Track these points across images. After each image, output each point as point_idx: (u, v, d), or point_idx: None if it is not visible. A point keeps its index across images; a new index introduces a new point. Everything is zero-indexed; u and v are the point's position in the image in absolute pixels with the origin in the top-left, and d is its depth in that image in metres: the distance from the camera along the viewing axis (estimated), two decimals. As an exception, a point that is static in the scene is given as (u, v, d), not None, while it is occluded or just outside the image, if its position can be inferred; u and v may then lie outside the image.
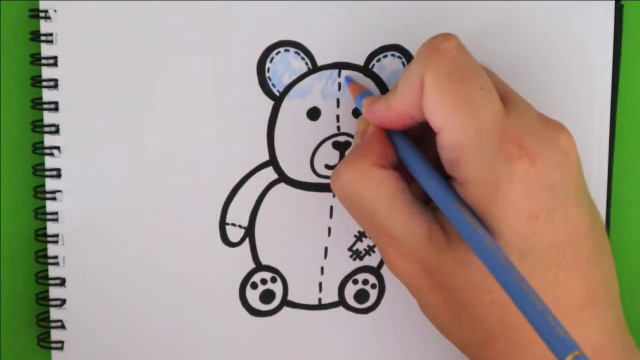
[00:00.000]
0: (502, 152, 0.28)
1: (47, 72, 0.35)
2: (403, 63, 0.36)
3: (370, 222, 0.31)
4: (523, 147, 0.28)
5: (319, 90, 0.36)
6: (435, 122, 0.29)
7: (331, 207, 0.37)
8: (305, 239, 0.37)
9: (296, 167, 0.37)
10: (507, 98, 0.30)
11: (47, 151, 0.36)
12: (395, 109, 0.31)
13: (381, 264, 0.38)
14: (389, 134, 0.32)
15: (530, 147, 0.28)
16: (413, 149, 0.31)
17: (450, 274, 0.30)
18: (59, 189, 0.36)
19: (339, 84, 0.36)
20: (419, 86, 0.29)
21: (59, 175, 0.36)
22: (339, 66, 0.36)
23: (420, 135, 0.32)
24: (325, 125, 0.36)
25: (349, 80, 0.36)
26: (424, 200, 0.32)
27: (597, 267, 0.30)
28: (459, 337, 0.31)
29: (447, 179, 0.30)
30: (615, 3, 0.37)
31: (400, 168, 0.32)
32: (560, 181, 0.29)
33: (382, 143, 0.32)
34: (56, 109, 0.35)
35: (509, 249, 0.28)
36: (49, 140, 0.36)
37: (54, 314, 0.37)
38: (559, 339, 0.24)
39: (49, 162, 0.36)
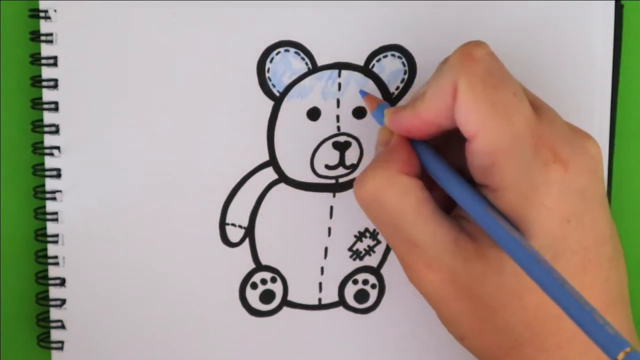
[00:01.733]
0: (537, 157, 0.29)
1: (47, 72, 0.35)
2: (403, 63, 0.36)
3: (394, 230, 0.31)
4: (556, 152, 0.29)
5: (319, 90, 0.36)
6: (470, 128, 0.29)
7: (331, 207, 0.37)
8: (305, 239, 0.37)
9: (296, 167, 0.37)
10: (536, 105, 0.30)
11: (47, 151, 0.36)
12: (424, 116, 0.31)
13: (381, 264, 0.38)
14: (412, 142, 0.32)
15: (563, 153, 0.29)
16: (437, 158, 0.31)
17: (479, 281, 0.30)
18: (59, 189, 0.36)
19: (339, 84, 0.36)
20: (451, 93, 0.29)
21: (59, 175, 0.36)
22: (339, 66, 0.36)
23: (439, 145, 0.32)
24: (325, 126, 0.36)
25: (364, 93, 0.36)
26: (446, 210, 0.32)
27: (616, 270, 0.31)
28: (482, 346, 0.31)
29: (473, 186, 0.30)
30: (615, 3, 0.37)
31: (422, 178, 0.32)
32: (590, 186, 0.29)
33: (407, 151, 0.32)
34: (56, 109, 0.35)
35: (542, 252, 0.29)
36: (49, 140, 0.35)
37: (54, 314, 0.37)
38: (609, 337, 0.24)
39: (49, 162, 0.36)
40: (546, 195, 0.28)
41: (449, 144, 0.31)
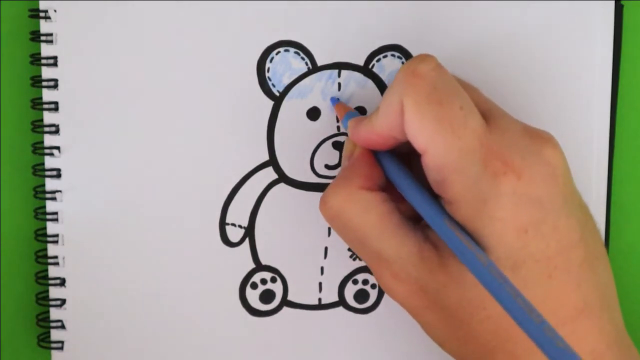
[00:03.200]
0: (486, 170, 0.28)
1: (47, 72, 0.35)
2: (403, 63, 0.36)
3: (361, 245, 0.31)
4: (507, 163, 0.29)
5: (319, 90, 0.36)
6: (418, 144, 0.29)
7: (331, 207, 0.37)
8: (305, 239, 0.37)
9: (296, 167, 0.37)
10: (489, 115, 0.30)
11: (47, 151, 0.36)
12: (378, 131, 0.31)
13: (381, 264, 0.38)
14: (376, 154, 0.32)
15: (515, 163, 0.29)
16: (401, 169, 0.31)
17: (444, 292, 0.30)
18: (59, 189, 0.36)
19: (339, 84, 0.36)
20: (399, 109, 0.29)
21: (59, 175, 0.36)
22: (339, 66, 0.36)
23: (408, 153, 0.32)
24: (325, 125, 0.36)
25: (335, 100, 0.36)
26: (415, 219, 0.32)
27: (591, 274, 0.30)
28: (459, 353, 0.32)
29: (435, 197, 0.30)
30: (615, 3, 0.37)
31: (389, 188, 0.32)
32: (547, 194, 0.29)
33: (369, 165, 0.32)
34: (56, 109, 0.35)
35: (500, 263, 0.29)
36: (49, 140, 0.36)
37: (54, 314, 0.37)
38: (558, 351, 0.24)
39: (49, 162, 0.36)
40: (498, 207, 0.28)
41: (414, 153, 0.31)
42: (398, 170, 0.31)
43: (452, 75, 0.30)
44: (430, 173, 0.29)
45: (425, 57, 0.30)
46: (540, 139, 0.30)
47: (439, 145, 0.28)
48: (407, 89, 0.29)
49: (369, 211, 0.31)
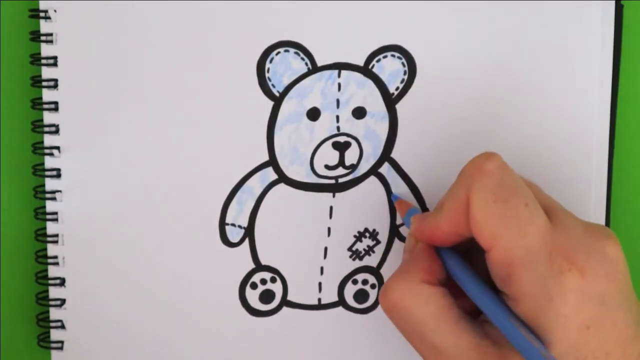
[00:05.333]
0: (552, 267, 0.29)
1: (47, 72, 0.35)
2: (403, 63, 0.36)
3: (419, 338, 0.31)
4: (572, 260, 0.29)
5: (319, 90, 0.36)
6: (484, 241, 0.30)
7: (331, 207, 0.37)
8: (305, 239, 0.37)
9: (296, 167, 0.37)
10: (551, 212, 0.31)
11: (47, 151, 0.36)
12: (443, 228, 0.31)
13: (381, 264, 0.38)
14: (437, 249, 0.33)
15: (579, 260, 0.29)
16: (462, 265, 0.32)
17: None
18: (59, 189, 0.36)
19: (339, 84, 0.36)
20: (465, 206, 0.30)
21: (59, 175, 0.36)
22: (339, 66, 0.36)
23: (469, 249, 0.33)
24: (325, 126, 0.36)
25: (395, 197, 0.36)
26: (473, 314, 0.32)
27: None
28: None
29: (496, 292, 0.31)
30: (615, 3, 0.37)
31: (449, 283, 0.32)
32: (609, 291, 0.29)
33: (430, 260, 0.32)
34: (56, 109, 0.35)
35: (562, 359, 0.29)
36: (49, 140, 0.36)
37: (54, 314, 0.37)
38: None
39: (49, 162, 0.36)
40: (562, 304, 0.29)
41: (476, 249, 0.31)
42: (459, 266, 0.32)
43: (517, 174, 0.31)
44: (495, 269, 0.30)
45: (490, 155, 0.30)
46: (601, 236, 0.31)
47: (504, 243, 0.29)
48: (474, 186, 0.30)
49: (429, 304, 0.31)
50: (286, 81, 0.36)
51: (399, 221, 0.37)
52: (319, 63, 0.36)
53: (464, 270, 0.32)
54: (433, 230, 0.32)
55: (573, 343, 0.29)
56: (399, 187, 0.37)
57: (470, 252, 0.33)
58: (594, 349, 0.29)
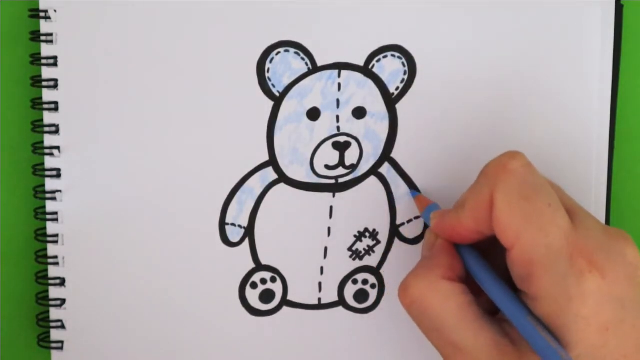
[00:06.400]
0: (573, 267, 0.29)
1: (47, 72, 0.35)
2: (403, 63, 0.36)
3: (437, 333, 0.32)
4: (592, 261, 0.29)
5: (319, 90, 0.36)
6: (506, 239, 0.30)
7: (331, 207, 0.37)
8: (305, 239, 0.37)
9: (296, 167, 0.37)
10: (573, 213, 0.31)
11: (47, 151, 0.36)
12: (465, 225, 0.31)
13: (381, 264, 0.38)
14: (456, 247, 0.33)
15: (599, 262, 0.29)
16: (481, 263, 0.32)
17: None
18: (59, 189, 0.36)
19: (339, 84, 0.36)
20: (488, 204, 0.30)
21: (58, 175, 0.36)
22: (339, 66, 0.36)
23: (488, 248, 0.33)
24: (325, 126, 0.36)
25: (415, 193, 0.36)
26: (491, 313, 0.32)
27: None
28: None
29: (515, 291, 0.31)
30: (615, 3, 0.37)
31: (467, 281, 0.32)
32: (629, 293, 0.30)
33: (450, 256, 0.32)
34: (56, 109, 0.35)
35: None
36: (49, 140, 0.36)
37: (54, 314, 0.37)
38: None
39: (49, 162, 0.36)
40: (582, 305, 0.29)
41: (495, 248, 0.31)
42: (479, 264, 0.32)
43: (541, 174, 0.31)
44: (515, 268, 0.30)
45: (515, 154, 0.30)
46: (620, 238, 0.31)
47: (527, 241, 0.29)
48: (499, 184, 0.30)
49: (448, 301, 0.31)
50: (286, 81, 0.36)
51: (399, 221, 0.37)
52: (319, 63, 0.36)
53: (483, 268, 0.32)
54: (454, 227, 0.32)
55: (592, 345, 0.29)
56: (399, 187, 0.37)
57: (488, 251, 0.33)
58: (613, 351, 0.29)
